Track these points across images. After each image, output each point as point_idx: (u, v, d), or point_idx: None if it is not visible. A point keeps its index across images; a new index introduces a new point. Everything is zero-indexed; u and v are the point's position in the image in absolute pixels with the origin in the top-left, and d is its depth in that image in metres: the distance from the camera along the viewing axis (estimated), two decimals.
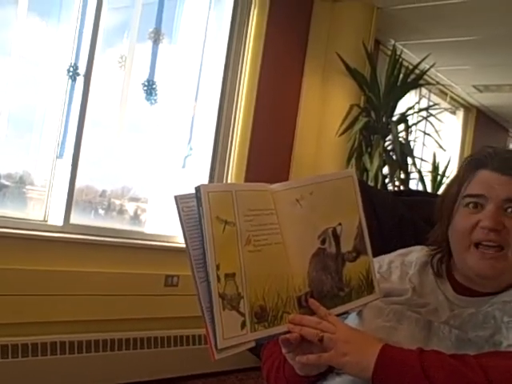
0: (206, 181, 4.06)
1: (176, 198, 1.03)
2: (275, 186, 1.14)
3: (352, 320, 1.24)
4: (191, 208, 1.03)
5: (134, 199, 4.07)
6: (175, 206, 1.02)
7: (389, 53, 4.90)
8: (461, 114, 7.29)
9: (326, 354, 1.07)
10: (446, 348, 1.13)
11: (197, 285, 1.01)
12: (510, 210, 1.17)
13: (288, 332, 1.08)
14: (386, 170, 4.47)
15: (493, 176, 1.19)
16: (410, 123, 4.71)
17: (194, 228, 1.03)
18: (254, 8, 4.13)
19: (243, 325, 1.03)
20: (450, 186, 1.29)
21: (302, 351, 1.10)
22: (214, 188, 1.06)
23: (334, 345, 1.07)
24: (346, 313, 1.21)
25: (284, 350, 1.13)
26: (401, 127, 4.62)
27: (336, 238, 1.18)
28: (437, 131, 5.03)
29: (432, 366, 1.04)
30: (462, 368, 1.03)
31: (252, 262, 1.06)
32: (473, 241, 1.18)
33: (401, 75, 4.61)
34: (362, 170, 4.44)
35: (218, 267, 1.01)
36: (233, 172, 4.09)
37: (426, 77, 4.94)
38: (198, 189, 1.03)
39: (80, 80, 3.38)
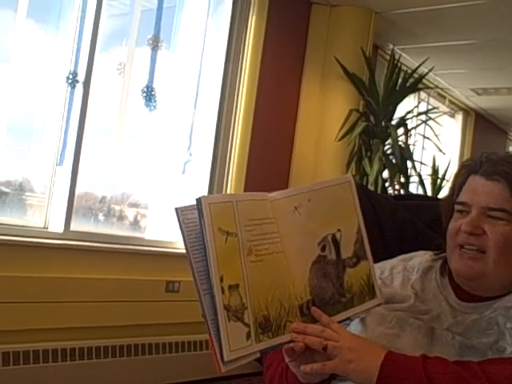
0: (205, 186, 4.06)
1: (177, 210, 1.02)
2: (274, 195, 1.14)
3: (355, 327, 1.24)
4: (192, 220, 1.02)
5: (134, 205, 4.07)
6: (176, 218, 1.01)
7: (387, 57, 4.91)
8: (460, 117, 7.30)
9: (330, 362, 1.08)
10: (449, 354, 1.14)
11: (200, 297, 1.01)
12: (491, 216, 1.19)
13: (292, 341, 1.08)
14: (385, 173, 4.47)
15: (479, 181, 1.22)
16: (409, 127, 4.71)
17: (196, 240, 1.02)
18: (253, 14, 4.13)
19: (248, 336, 1.03)
20: (448, 191, 1.33)
21: (305, 359, 1.10)
22: (215, 199, 1.06)
23: (338, 353, 1.07)
24: (349, 319, 1.20)
25: (287, 359, 1.13)
26: (400, 131, 4.62)
27: (336, 244, 1.18)
28: (436, 135, 5.04)
29: (435, 373, 1.04)
30: (466, 374, 1.04)
31: (254, 272, 1.06)
32: (456, 243, 1.22)
33: (399, 79, 4.62)
34: (362, 175, 4.44)
35: (221, 279, 1.01)
36: (232, 177, 4.09)
37: (424, 81, 4.94)
38: (199, 200, 1.02)
39: (79, 87, 3.38)
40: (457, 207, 1.25)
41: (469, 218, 1.20)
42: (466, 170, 1.27)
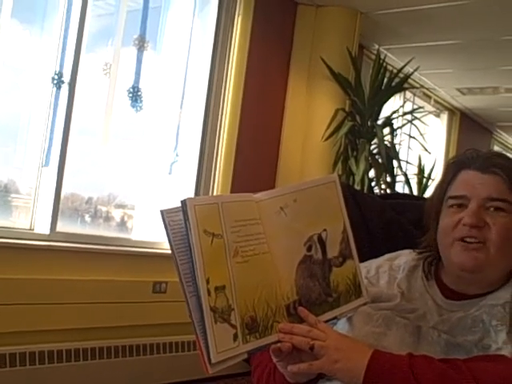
0: (192, 187, 4.06)
1: (162, 212, 1.02)
2: (259, 195, 1.13)
3: (342, 326, 1.24)
4: (177, 222, 1.02)
5: (121, 206, 4.06)
6: (161, 220, 1.01)
7: (373, 57, 4.92)
8: (445, 116, 7.34)
9: (317, 361, 1.08)
10: (436, 353, 1.14)
11: (187, 299, 1.00)
12: (491, 208, 1.18)
13: (279, 341, 1.08)
14: (372, 173, 4.49)
15: (474, 175, 1.22)
16: (395, 126, 4.73)
17: (182, 242, 1.02)
18: (239, 15, 4.13)
19: (235, 337, 1.03)
20: (435, 189, 1.32)
21: (292, 359, 1.10)
22: (201, 201, 1.05)
23: (325, 352, 1.07)
24: (335, 318, 1.20)
25: (274, 359, 1.13)
26: (386, 131, 4.64)
27: (322, 243, 1.17)
28: (422, 134, 5.06)
29: (422, 371, 1.04)
30: (452, 372, 1.04)
31: (241, 274, 1.05)
32: (456, 237, 1.20)
33: (385, 79, 4.64)
34: (348, 174, 4.45)
35: (207, 281, 1.01)
36: (219, 178, 4.09)
37: (410, 80, 4.96)
38: (184, 202, 1.02)
39: (65, 88, 3.37)
40: (451, 202, 1.23)
41: (470, 211, 1.18)
42: (454, 166, 1.26)
